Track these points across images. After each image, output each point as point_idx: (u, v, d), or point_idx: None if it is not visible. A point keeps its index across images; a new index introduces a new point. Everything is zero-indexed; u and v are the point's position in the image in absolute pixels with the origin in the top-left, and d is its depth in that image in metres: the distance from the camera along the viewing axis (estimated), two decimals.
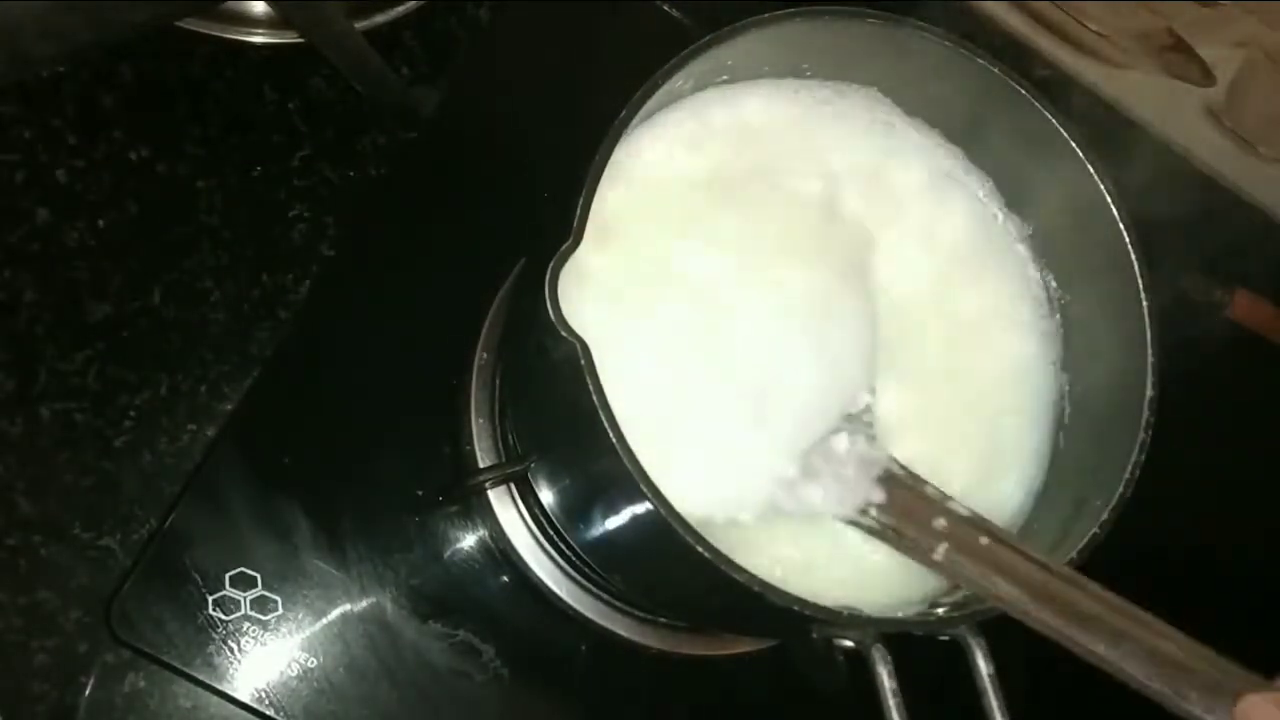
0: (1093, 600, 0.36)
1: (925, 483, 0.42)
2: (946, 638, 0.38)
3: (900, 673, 0.37)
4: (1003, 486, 0.46)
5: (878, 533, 0.41)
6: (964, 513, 0.40)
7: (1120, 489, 0.40)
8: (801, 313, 0.44)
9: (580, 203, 0.37)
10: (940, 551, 0.39)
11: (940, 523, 0.40)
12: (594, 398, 0.35)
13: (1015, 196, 0.49)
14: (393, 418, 0.56)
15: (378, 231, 0.59)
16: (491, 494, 0.53)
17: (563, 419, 0.42)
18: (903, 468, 0.42)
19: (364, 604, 0.53)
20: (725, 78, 0.46)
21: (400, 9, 0.59)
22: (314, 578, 0.52)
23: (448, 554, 0.55)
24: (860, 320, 0.46)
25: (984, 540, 0.39)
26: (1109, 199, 0.44)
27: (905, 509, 0.41)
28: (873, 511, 0.42)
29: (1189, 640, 0.34)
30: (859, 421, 0.44)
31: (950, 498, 0.41)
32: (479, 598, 0.55)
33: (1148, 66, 0.69)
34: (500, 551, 0.54)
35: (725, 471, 0.42)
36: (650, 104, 0.40)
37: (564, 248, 0.36)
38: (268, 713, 0.50)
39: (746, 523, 0.42)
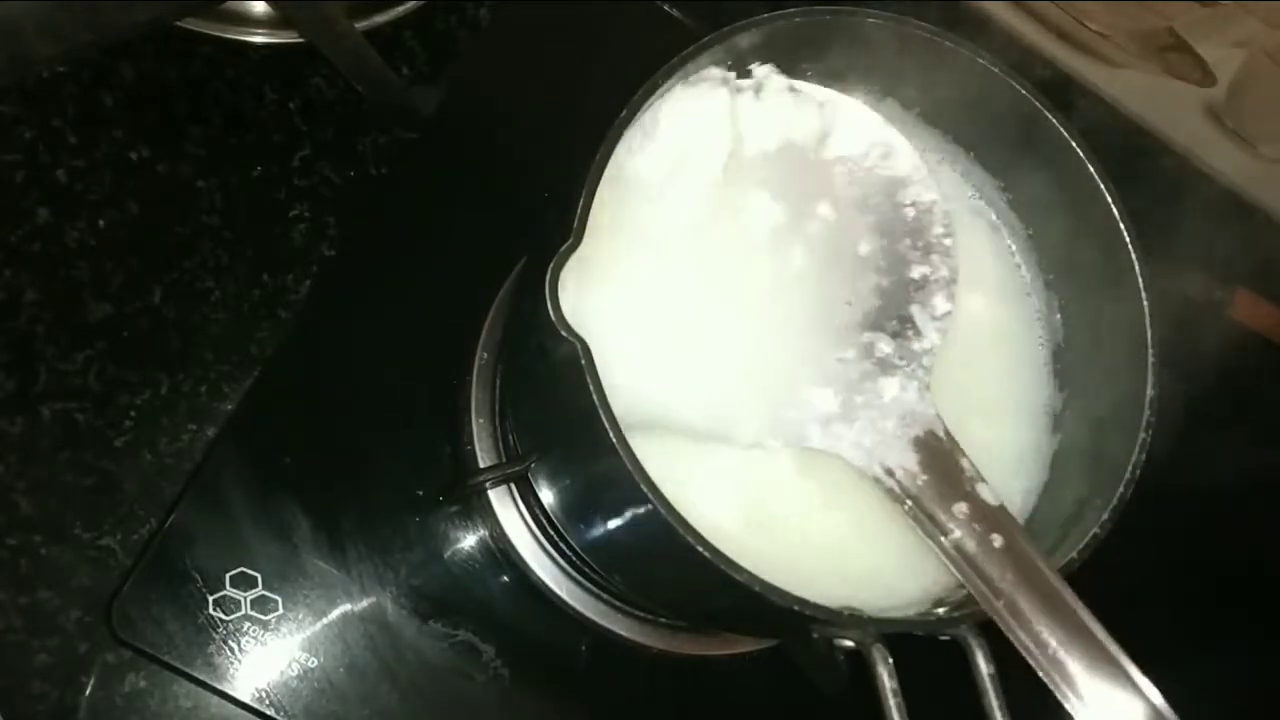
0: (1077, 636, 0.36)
1: (963, 456, 0.41)
2: (947, 638, 0.38)
3: (900, 673, 0.37)
4: (1002, 487, 0.46)
5: (895, 497, 0.41)
6: (991, 502, 0.39)
7: (1120, 489, 0.40)
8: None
9: (580, 203, 0.37)
10: (950, 540, 0.39)
11: (961, 509, 0.39)
12: (594, 397, 0.35)
13: (1015, 197, 0.49)
14: (393, 417, 0.56)
15: (378, 231, 0.59)
16: (492, 494, 0.53)
17: (563, 419, 0.42)
18: (946, 434, 0.41)
19: (364, 604, 0.53)
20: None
21: (400, 9, 0.59)
22: (314, 578, 0.52)
23: (448, 554, 0.55)
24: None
25: (997, 541, 0.38)
26: (1109, 199, 0.44)
27: (932, 482, 0.40)
28: (898, 474, 0.41)
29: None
30: (917, 363, 0.43)
31: (982, 480, 0.40)
32: (479, 598, 0.55)
33: (1148, 66, 0.69)
34: (500, 551, 0.54)
35: (760, 388, 0.41)
36: (650, 104, 0.40)
37: (564, 248, 0.36)
38: (268, 713, 0.50)
39: (773, 448, 0.41)
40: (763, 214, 0.44)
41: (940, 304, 0.44)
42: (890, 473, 0.41)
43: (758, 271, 0.43)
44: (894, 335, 0.44)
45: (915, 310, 0.44)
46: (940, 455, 0.41)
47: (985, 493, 0.40)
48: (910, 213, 0.45)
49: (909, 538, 0.43)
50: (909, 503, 0.40)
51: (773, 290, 0.43)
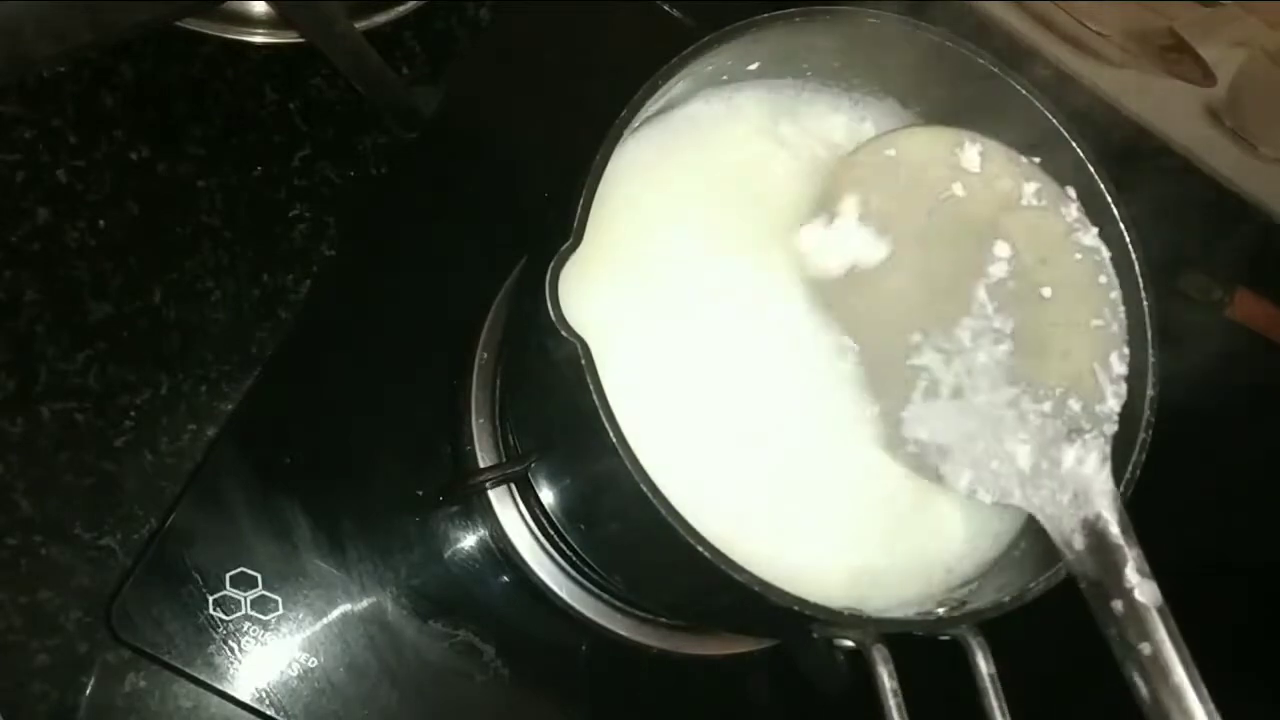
0: None
1: (1134, 547, 0.37)
2: (947, 638, 0.38)
3: (900, 673, 0.37)
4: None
5: (1075, 573, 0.38)
6: (1149, 603, 0.35)
7: (1120, 489, 0.40)
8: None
9: (580, 203, 0.37)
10: (1108, 634, 0.36)
11: (1117, 606, 0.35)
12: (594, 398, 0.35)
13: None
14: (393, 418, 0.56)
15: (378, 232, 0.59)
16: (492, 494, 0.53)
17: (563, 419, 0.42)
18: (1120, 517, 0.38)
19: (364, 604, 0.53)
20: (725, 78, 0.46)
21: (400, 9, 0.59)
22: (314, 578, 0.52)
23: (448, 554, 0.55)
24: None
25: (1146, 649, 0.35)
26: (1109, 199, 0.44)
27: (1094, 571, 0.37)
28: (1068, 555, 0.38)
29: None
30: (1099, 429, 0.40)
31: (1147, 576, 0.36)
32: (479, 598, 0.55)
33: (1148, 66, 0.69)
34: (500, 551, 0.54)
35: (973, 435, 0.40)
36: (650, 104, 0.40)
37: (564, 248, 0.36)
38: (268, 713, 0.50)
39: (982, 500, 0.40)
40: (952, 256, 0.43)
41: (1116, 363, 0.42)
42: (1068, 544, 0.38)
43: (960, 308, 0.42)
44: (1081, 395, 0.41)
45: (1097, 368, 0.42)
46: (1107, 542, 0.37)
47: (1146, 593, 0.36)
48: (1077, 256, 0.43)
49: (908, 540, 0.43)
50: (1084, 582, 0.37)
51: (974, 333, 0.42)
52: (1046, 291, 0.42)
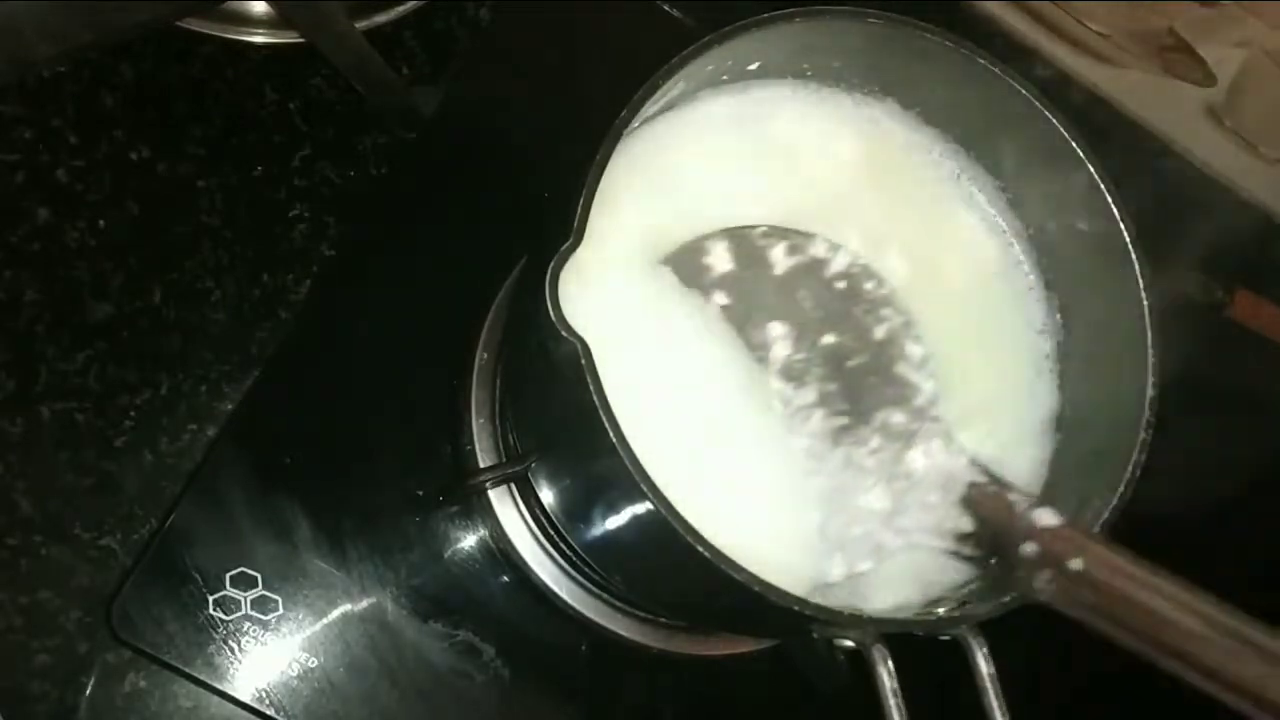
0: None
1: (1012, 492, 0.39)
2: (947, 638, 0.38)
3: (900, 673, 0.37)
4: None
5: (979, 563, 0.39)
6: (1053, 523, 0.36)
7: (1120, 489, 0.40)
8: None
9: (580, 203, 0.37)
10: (1040, 582, 0.36)
11: (1030, 549, 0.36)
12: (594, 397, 0.35)
13: (1015, 196, 0.49)
14: (393, 418, 0.56)
15: (378, 231, 0.59)
16: (492, 494, 0.53)
17: (563, 419, 0.42)
18: (987, 475, 0.40)
19: (364, 604, 0.53)
20: (725, 78, 0.46)
21: (400, 9, 0.59)
22: (314, 578, 0.52)
23: (448, 554, 0.55)
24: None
25: (1076, 564, 0.35)
26: (1109, 199, 0.44)
27: (993, 535, 0.38)
28: (968, 548, 0.39)
29: None
30: (926, 419, 0.42)
31: (1039, 505, 0.37)
32: (479, 598, 0.55)
33: (1148, 66, 0.69)
34: (500, 551, 0.54)
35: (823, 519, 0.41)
36: (650, 104, 0.40)
37: (564, 248, 0.36)
38: (268, 713, 0.50)
39: (862, 571, 0.40)
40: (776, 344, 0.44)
41: (912, 348, 0.44)
42: (963, 540, 0.40)
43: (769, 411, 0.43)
44: (898, 404, 0.43)
45: (901, 368, 0.44)
46: (989, 502, 0.39)
47: (1046, 517, 0.37)
48: (842, 285, 0.45)
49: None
50: (994, 559, 0.38)
51: (788, 421, 0.43)
52: (829, 339, 0.44)
